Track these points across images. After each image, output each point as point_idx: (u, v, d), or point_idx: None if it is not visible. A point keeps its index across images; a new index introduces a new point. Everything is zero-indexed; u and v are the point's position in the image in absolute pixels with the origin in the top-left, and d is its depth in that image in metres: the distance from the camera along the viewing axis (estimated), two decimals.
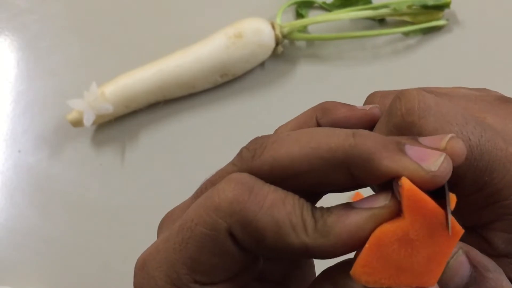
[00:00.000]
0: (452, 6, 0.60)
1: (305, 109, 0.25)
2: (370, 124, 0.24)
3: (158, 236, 0.24)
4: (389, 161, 0.19)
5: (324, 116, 0.24)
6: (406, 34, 0.61)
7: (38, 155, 0.61)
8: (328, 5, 0.64)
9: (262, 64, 0.61)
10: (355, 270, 0.19)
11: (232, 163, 0.21)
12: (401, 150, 0.19)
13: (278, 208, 0.19)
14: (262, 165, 0.20)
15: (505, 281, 0.21)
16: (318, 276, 0.21)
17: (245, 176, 0.20)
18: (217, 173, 0.22)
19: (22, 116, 0.63)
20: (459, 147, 0.19)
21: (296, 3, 0.63)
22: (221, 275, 0.20)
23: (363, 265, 0.19)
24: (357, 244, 0.19)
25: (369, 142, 0.19)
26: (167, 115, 0.61)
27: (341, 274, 0.20)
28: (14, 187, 0.61)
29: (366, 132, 0.20)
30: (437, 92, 0.24)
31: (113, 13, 0.68)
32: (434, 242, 0.19)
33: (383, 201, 0.19)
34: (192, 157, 0.59)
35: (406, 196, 0.18)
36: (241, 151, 0.21)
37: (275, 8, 0.63)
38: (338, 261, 0.21)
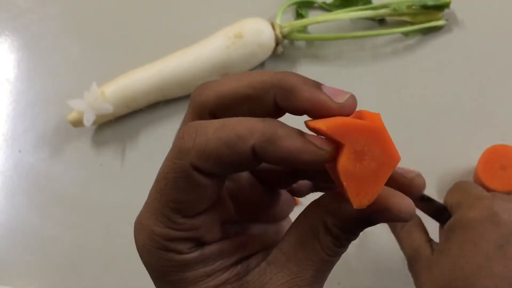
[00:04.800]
0: (452, 6, 0.60)
1: None
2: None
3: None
4: (307, 93, 0.22)
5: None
6: (406, 34, 0.61)
7: (38, 155, 0.61)
8: (328, 5, 0.64)
9: (262, 64, 0.61)
10: (355, 202, 0.21)
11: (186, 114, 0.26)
12: (318, 87, 0.23)
13: (223, 128, 0.22)
14: (207, 98, 0.24)
15: None
16: (308, 205, 0.24)
17: (192, 123, 0.23)
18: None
19: (22, 116, 0.64)
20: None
21: (296, 3, 0.63)
22: (202, 206, 0.24)
23: (356, 194, 0.21)
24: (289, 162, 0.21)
25: (293, 78, 0.23)
26: (167, 115, 0.61)
27: (330, 200, 0.23)
28: (14, 187, 0.61)
29: (290, 72, 0.23)
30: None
31: (113, 13, 0.68)
32: (380, 152, 0.21)
33: (327, 147, 0.22)
34: None
35: (332, 126, 0.21)
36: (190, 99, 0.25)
37: (275, 8, 0.63)
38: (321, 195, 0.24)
